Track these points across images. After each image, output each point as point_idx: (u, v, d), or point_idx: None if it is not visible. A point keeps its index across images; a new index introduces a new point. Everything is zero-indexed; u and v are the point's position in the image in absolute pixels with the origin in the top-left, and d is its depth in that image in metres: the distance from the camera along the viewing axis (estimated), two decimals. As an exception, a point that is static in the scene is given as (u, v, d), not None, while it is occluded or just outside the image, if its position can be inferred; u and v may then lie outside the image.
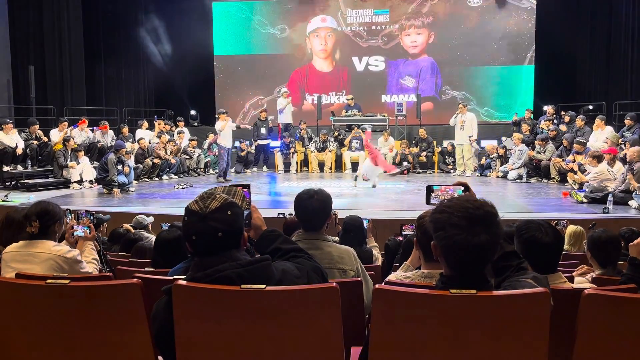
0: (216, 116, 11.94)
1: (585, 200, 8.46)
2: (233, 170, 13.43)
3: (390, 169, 10.93)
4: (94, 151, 11.72)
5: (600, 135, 10.51)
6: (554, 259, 2.49)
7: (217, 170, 11.88)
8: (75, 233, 3.47)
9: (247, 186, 2.15)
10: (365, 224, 4.39)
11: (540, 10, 15.18)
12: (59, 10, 13.74)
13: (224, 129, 11.25)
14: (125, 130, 12.73)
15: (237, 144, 13.51)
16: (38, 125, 11.31)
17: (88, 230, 3.54)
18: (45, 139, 11.28)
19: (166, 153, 12.43)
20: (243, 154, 13.60)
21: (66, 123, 11.30)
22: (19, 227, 3.28)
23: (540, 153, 11.18)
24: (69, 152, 10.62)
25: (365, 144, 11.21)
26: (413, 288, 1.72)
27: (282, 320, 1.70)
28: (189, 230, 1.73)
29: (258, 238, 2.11)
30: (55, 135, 11.14)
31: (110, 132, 12.52)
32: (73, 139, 10.92)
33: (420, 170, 13.21)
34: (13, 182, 10.23)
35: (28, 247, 3.00)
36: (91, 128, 12.19)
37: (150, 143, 12.47)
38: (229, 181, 10.90)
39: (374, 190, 10.28)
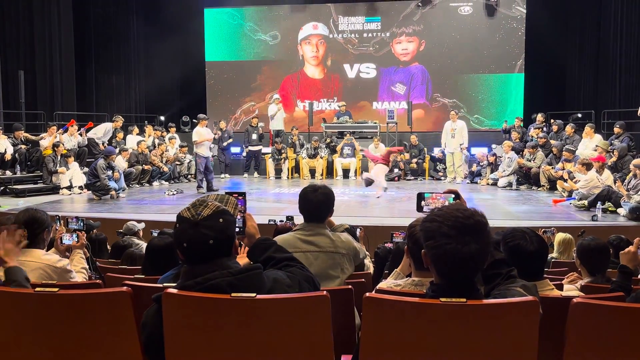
0: (195, 120, 11.74)
1: (585, 204, 8.46)
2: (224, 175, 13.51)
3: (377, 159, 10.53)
4: (84, 157, 11.66)
5: (590, 143, 10.60)
6: (539, 266, 2.52)
7: (197, 181, 11.05)
8: (63, 242, 3.45)
9: (243, 194, 2.15)
10: (357, 232, 4.38)
11: (530, 19, 15.33)
12: (50, 15, 13.67)
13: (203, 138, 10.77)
14: (120, 135, 12.65)
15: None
16: (23, 131, 11.25)
17: (76, 239, 3.51)
18: (33, 138, 11.26)
19: (161, 161, 12.40)
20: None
21: (55, 127, 11.25)
22: None
23: (530, 161, 11.26)
24: (59, 157, 10.56)
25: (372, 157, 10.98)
26: (403, 296, 1.72)
27: (273, 328, 1.70)
28: (180, 237, 1.73)
29: (251, 246, 2.10)
30: (45, 141, 11.09)
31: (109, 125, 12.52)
32: (63, 144, 10.86)
33: (412, 177, 13.26)
34: (2, 188, 10.14)
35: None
36: (79, 131, 12.10)
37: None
38: (216, 191, 10.55)
39: (366, 197, 10.29)
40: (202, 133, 10.83)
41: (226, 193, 2.09)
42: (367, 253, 4.13)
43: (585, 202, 8.44)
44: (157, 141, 13.04)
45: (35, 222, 3.02)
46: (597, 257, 3.27)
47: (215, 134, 12.96)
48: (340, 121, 14.31)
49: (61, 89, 14.06)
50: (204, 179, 10.77)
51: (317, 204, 2.96)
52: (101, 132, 12.38)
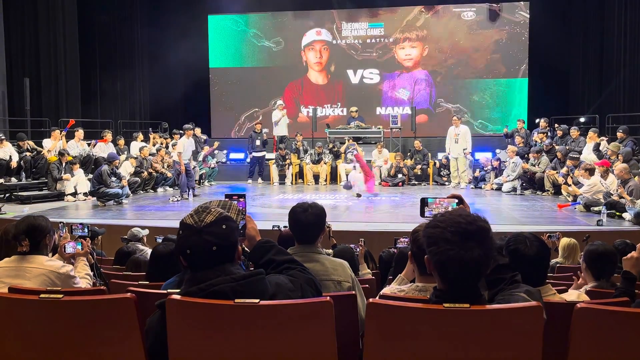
0: (181, 131, 11.84)
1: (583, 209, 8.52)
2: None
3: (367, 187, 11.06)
4: (89, 164, 11.69)
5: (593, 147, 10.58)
6: (539, 271, 2.50)
7: (185, 189, 10.92)
8: (66, 250, 3.45)
9: (243, 196, 2.15)
10: (358, 250, 4.33)
11: (534, 24, 15.34)
12: (55, 22, 13.75)
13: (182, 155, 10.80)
14: (121, 142, 12.72)
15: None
16: (27, 140, 11.30)
17: (80, 247, 3.51)
18: (39, 148, 11.30)
19: (163, 167, 12.43)
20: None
21: (58, 131, 11.30)
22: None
23: (534, 165, 11.24)
24: (64, 164, 10.59)
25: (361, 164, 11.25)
26: (406, 302, 1.72)
27: (276, 334, 1.69)
28: (183, 244, 1.73)
29: (252, 249, 2.10)
30: (48, 143, 11.14)
31: (110, 145, 12.50)
32: (68, 153, 10.91)
33: (416, 182, 13.25)
34: (7, 195, 10.19)
35: (20, 262, 2.95)
36: (88, 142, 12.17)
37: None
38: (186, 200, 10.66)
39: (369, 201, 10.30)
40: (186, 146, 10.88)
41: (226, 196, 2.09)
42: (368, 271, 4.09)
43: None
44: (156, 147, 13.06)
45: (35, 230, 3.02)
46: (604, 263, 3.24)
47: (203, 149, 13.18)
48: (352, 126, 14.36)
49: (66, 95, 14.13)
50: (187, 183, 10.91)
51: (307, 225, 2.83)
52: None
